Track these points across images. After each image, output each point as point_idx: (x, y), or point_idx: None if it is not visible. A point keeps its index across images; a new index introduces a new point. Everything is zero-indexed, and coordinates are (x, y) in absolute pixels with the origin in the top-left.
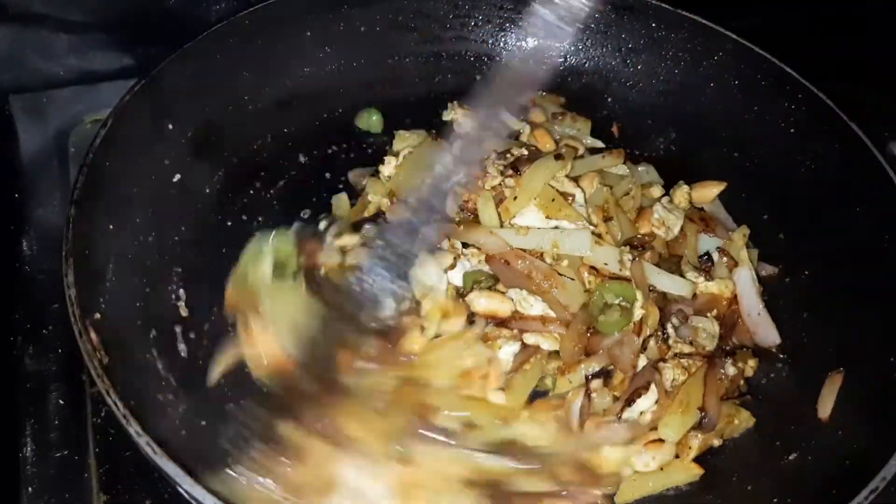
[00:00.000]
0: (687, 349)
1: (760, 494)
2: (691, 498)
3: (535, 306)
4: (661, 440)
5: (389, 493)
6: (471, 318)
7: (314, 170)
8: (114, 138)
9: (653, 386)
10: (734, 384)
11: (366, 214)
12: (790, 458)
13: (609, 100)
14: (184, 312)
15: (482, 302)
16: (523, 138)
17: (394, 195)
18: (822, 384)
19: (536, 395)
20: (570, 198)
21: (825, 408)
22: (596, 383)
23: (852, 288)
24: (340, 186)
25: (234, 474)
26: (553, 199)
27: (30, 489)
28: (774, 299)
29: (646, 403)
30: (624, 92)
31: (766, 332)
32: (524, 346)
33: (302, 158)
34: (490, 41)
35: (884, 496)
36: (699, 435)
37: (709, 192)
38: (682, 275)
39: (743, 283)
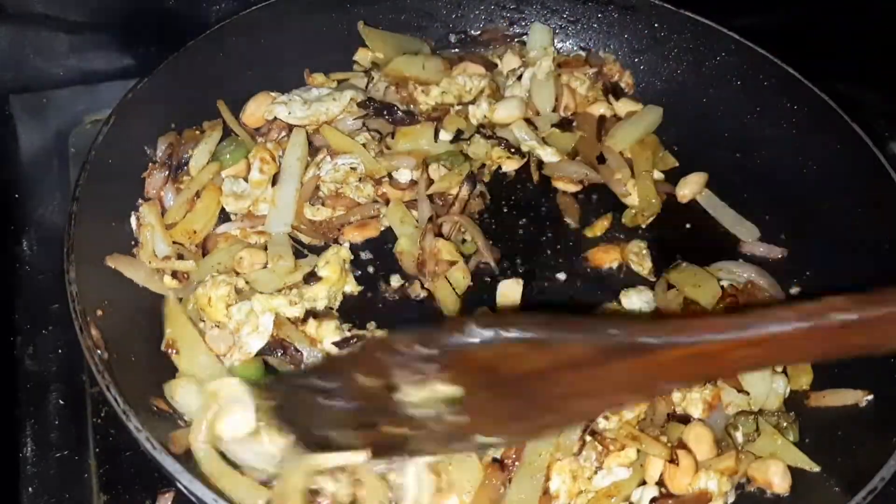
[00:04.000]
0: None
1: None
2: None
3: None
4: None
5: None
6: None
7: None
8: (116, 136)
9: None
10: None
11: None
12: None
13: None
14: None
15: None
16: None
17: None
18: (820, 384)
19: None
20: None
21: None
22: None
23: (854, 288)
24: None
25: None
26: None
27: (30, 489)
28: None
29: None
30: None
31: None
32: None
33: None
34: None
35: (883, 496)
36: None
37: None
38: None
39: None
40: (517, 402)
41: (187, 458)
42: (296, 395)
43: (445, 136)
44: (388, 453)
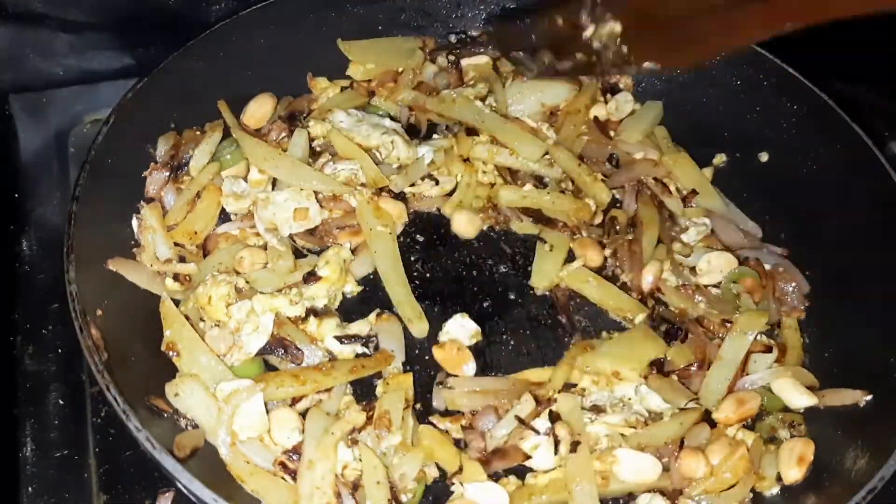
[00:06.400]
0: None
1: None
2: None
3: None
4: None
5: None
6: None
7: None
8: (116, 136)
9: None
10: None
11: None
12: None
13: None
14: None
15: None
16: None
17: None
18: (821, 384)
19: None
20: None
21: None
22: None
23: (853, 288)
24: None
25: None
26: None
27: (30, 489)
28: None
29: None
30: None
31: None
32: None
33: None
34: None
35: (883, 496)
36: None
37: None
38: None
39: None
40: (667, 38)
41: (193, 461)
42: (519, 39)
43: None
44: (585, 71)
